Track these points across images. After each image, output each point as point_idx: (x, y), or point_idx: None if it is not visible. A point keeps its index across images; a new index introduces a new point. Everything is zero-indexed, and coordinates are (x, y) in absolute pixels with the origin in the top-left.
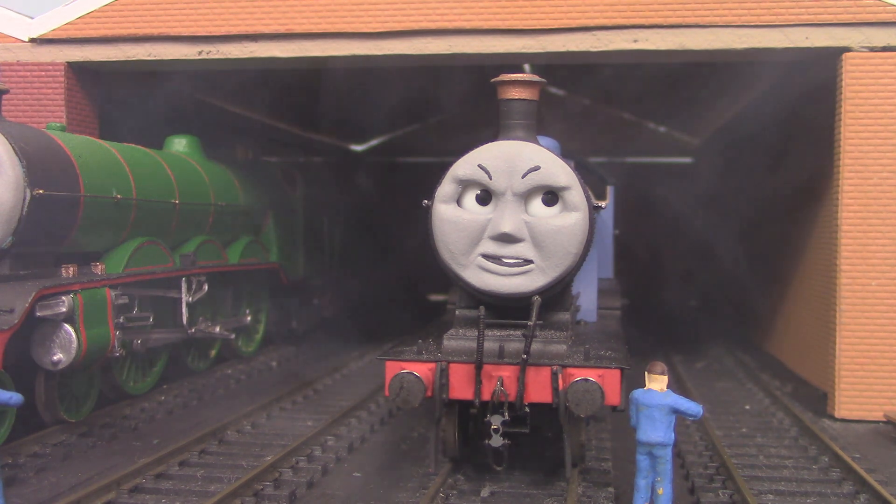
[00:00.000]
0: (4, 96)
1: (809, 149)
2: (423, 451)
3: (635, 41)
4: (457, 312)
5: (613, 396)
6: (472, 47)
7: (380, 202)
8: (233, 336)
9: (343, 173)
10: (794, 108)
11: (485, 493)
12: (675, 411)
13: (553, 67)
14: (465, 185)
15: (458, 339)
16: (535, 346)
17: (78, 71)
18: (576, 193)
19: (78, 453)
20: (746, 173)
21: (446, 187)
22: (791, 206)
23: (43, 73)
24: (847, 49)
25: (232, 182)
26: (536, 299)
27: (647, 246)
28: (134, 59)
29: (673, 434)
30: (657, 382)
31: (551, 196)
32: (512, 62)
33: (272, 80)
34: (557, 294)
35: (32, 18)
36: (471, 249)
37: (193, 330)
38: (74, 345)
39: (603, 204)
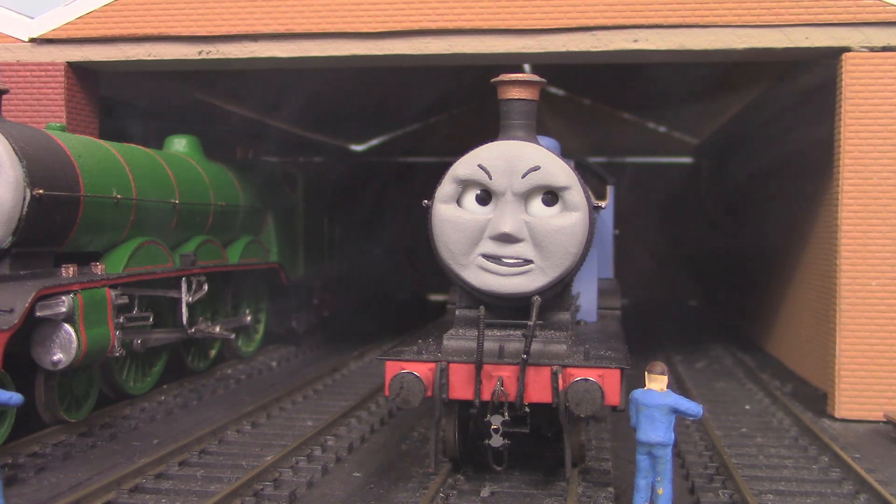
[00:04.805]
0: (4, 96)
1: (809, 149)
2: (423, 451)
3: (635, 41)
4: (457, 312)
5: (613, 396)
6: (472, 47)
7: (380, 202)
8: (233, 336)
9: (343, 173)
10: (793, 107)
11: (485, 493)
12: (675, 411)
13: (553, 67)
14: (465, 185)
15: (458, 339)
16: (535, 346)
17: (78, 71)
18: (576, 193)
19: (78, 453)
20: (746, 173)
21: (446, 187)
22: (791, 205)
23: (43, 73)
24: (847, 49)
25: (232, 182)
26: (536, 299)
27: (646, 245)
28: (134, 59)
29: (673, 434)
30: (657, 382)
31: (551, 196)
32: (512, 62)
33: (270, 79)
34: (557, 294)
35: (32, 18)
36: (471, 249)
37: (193, 330)
38: (74, 345)
39: (603, 204)
